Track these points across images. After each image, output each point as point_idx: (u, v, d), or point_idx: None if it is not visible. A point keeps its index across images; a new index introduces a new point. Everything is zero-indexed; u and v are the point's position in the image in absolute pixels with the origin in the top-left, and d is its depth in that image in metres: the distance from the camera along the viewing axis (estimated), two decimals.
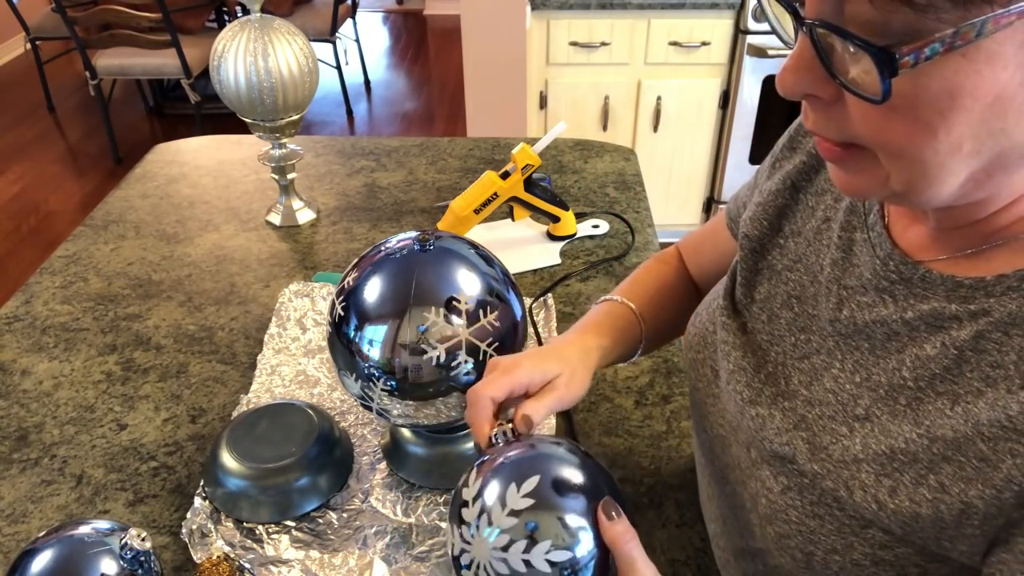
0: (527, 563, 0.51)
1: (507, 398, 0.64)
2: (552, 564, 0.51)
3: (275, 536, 0.77)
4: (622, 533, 0.52)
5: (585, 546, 0.52)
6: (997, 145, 0.42)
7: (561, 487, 0.53)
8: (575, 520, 0.52)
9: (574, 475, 0.54)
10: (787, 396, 0.59)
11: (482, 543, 0.52)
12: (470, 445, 0.83)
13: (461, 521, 0.55)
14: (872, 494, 0.50)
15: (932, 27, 0.38)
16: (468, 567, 0.54)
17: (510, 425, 0.61)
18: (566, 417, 0.90)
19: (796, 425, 0.56)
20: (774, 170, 0.69)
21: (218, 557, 0.72)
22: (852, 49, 0.41)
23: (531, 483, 0.53)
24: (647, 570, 0.51)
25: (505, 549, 0.51)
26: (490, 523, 0.52)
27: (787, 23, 0.46)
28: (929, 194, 0.45)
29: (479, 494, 0.54)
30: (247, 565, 0.74)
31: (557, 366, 0.67)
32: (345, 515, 0.79)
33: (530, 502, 0.52)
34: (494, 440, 0.60)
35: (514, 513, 0.52)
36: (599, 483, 0.55)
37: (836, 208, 0.60)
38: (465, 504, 0.55)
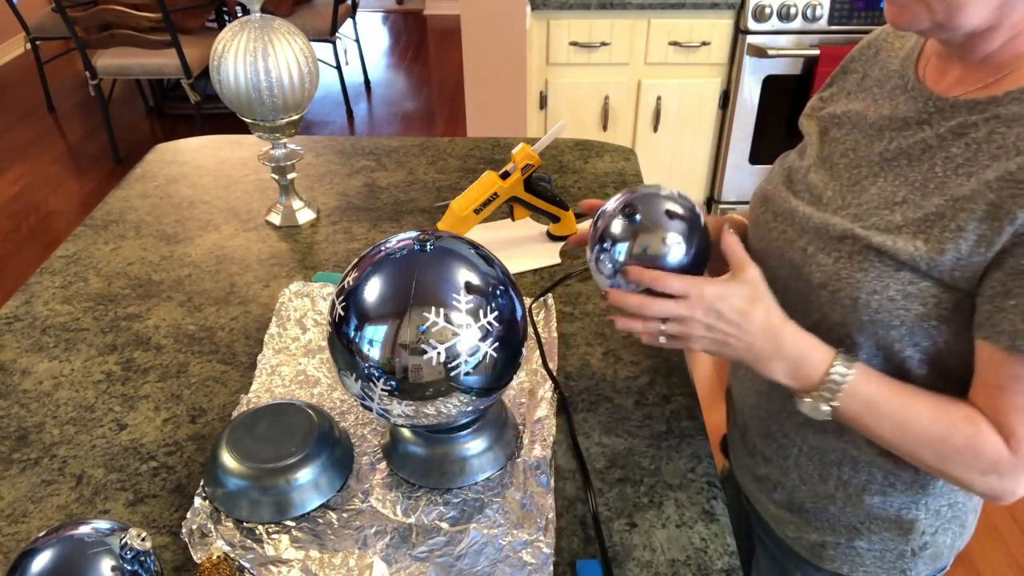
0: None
1: None
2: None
3: (275, 536, 0.77)
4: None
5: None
6: None
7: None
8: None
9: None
10: (844, 207, 0.77)
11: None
12: (470, 445, 0.83)
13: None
14: (911, 243, 0.69)
15: None
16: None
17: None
18: (566, 417, 0.90)
19: (853, 219, 0.75)
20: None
21: (218, 557, 0.72)
22: None
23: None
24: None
25: None
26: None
27: None
28: (965, 15, 0.65)
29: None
30: (247, 565, 0.74)
31: None
32: (345, 515, 0.79)
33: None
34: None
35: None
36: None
37: (885, 81, 0.81)
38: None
